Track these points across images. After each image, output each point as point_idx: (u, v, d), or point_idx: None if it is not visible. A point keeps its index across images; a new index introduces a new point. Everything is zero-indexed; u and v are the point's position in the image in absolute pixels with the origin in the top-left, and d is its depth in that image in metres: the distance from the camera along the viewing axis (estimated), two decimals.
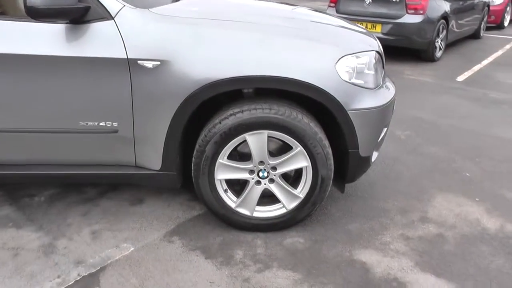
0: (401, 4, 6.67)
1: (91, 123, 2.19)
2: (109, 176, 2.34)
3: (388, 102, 2.34)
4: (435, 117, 4.39)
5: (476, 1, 8.53)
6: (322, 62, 2.16)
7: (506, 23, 11.38)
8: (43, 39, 2.07)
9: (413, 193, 2.85)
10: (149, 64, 2.07)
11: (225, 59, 2.09)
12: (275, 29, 2.24)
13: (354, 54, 2.23)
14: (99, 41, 2.07)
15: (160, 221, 2.52)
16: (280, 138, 2.21)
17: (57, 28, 2.08)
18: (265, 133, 2.17)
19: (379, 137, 2.39)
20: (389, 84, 2.54)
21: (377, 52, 2.38)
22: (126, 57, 2.06)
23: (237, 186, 2.40)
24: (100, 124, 2.19)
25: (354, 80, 2.20)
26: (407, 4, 6.62)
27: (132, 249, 2.29)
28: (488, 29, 10.26)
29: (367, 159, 2.36)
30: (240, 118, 2.14)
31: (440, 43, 7.13)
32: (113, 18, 2.08)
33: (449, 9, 7.12)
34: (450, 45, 7.95)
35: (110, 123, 2.19)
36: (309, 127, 2.16)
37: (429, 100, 4.99)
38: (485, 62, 7.14)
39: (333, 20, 2.67)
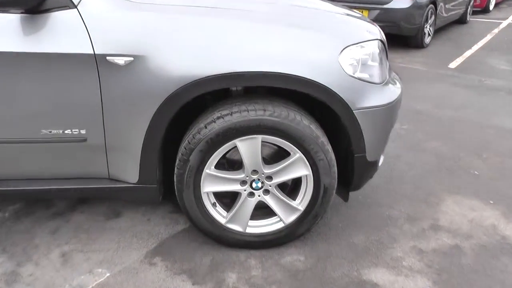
0: None
1: (55, 131, 1.84)
2: (79, 190, 1.99)
3: (397, 98, 2.05)
4: (432, 108, 4.13)
5: None
6: (323, 54, 1.85)
7: (491, 7, 11.22)
8: None
9: (420, 197, 2.59)
10: (121, 61, 1.73)
11: (211, 53, 1.76)
12: (267, 17, 1.91)
13: (358, 44, 1.92)
14: (59, 34, 1.71)
15: (140, 239, 2.19)
16: (276, 143, 1.91)
17: (10, 19, 1.72)
18: (259, 138, 1.86)
19: (388, 138, 2.10)
20: (395, 77, 2.24)
21: (381, 40, 2.07)
22: (92, 52, 1.71)
23: (226, 199, 2.08)
24: (66, 132, 1.84)
25: (359, 74, 1.89)
26: None
27: (108, 274, 1.96)
28: (473, 13, 10.06)
29: (375, 163, 2.07)
30: (229, 122, 1.81)
31: (429, 28, 6.88)
32: (75, 6, 1.72)
33: None
34: (437, 31, 7.70)
35: (77, 130, 1.84)
36: (309, 130, 1.85)
37: (424, 89, 4.73)
38: (475, 48, 6.92)
39: (325, 5, 2.35)
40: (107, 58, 1.72)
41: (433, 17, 6.88)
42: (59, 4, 1.72)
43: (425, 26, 6.65)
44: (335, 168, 1.95)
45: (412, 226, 2.31)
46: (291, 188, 2.12)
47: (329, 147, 1.91)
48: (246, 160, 1.90)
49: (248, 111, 1.82)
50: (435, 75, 5.31)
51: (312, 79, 1.80)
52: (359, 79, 1.89)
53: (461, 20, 9.08)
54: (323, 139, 1.89)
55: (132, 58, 1.73)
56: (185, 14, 1.82)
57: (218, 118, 1.83)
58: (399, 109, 2.15)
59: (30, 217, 2.36)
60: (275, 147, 1.97)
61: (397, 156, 3.08)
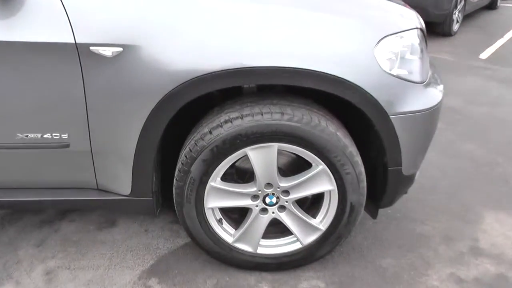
0: None
1: (32, 136, 1.55)
2: (63, 203, 1.71)
3: (440, 101, 1.71)
4: (464, 104, 3.74)
5: None
6: (355, 46, 1.51)
7: None
8: None
9: (456, 211, 2.25)
10: (107, 51, 1.42)
11: (219, 43, 1.43)
12: (287, 1, 1.57)
13: (397, 34, 1.58)
14: (35, 20, 1.41)
15: (135, 254, 1.91)
16: (296, 153, 1.60)
17: None
18: (275, 147, 1.54)
19: (427, 149, 1.77)
20: (434, 74, 1.89)
21: (420, 29, 1.72)
22: (73, 41, 1.40)
23: (235, 214, 1.79)
24: (45, 136, 1.55)
25: (396, 71, 1.56)
26: None
27: None
28: None
29: (411, 178, 1.75)
30: (239, 127, 1.50)
31: (458, 15, 6.41)
32: None
33: None
34: (465, 18, 7.20)
35: (58, 134, 1.55)
36: (335, 138, 1.53)
37: (454, 82, 4.33)
38: (507, 36, 6.43)
39: None
40: (91, 48, 1.41)
41: (462, 2, 6.41)
42: None
43: (453, 12, 6.18)
44: (365, 183, 1.63)
45: (448, 247, 1.98)
46: (310, 203, 1.82)
47: (358, 159, 1.59)
48: (258, 172, 1.59)
49: (262, 115, 1.50)
50: (466, 67, 4.89)
51: (341, 76, 1.47)
52: (397, 76, 1.55)
53: (491, 6, 8.54)
54: (352, 149, 1.57)
55: (121, 49, 1.42)
56: None
57: (226, 122, 1.52)
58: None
59: (16, 225, 2.10)
60: (294, 155, 1.66)
61: (429, 161, 2.72)
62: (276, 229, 1.81)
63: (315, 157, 1.55)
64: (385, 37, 1.53)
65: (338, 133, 1.54)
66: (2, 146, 1.57)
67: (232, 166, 1.67)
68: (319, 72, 1.46)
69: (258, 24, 1.46)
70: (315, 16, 1.51)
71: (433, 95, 1.67)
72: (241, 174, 1.72)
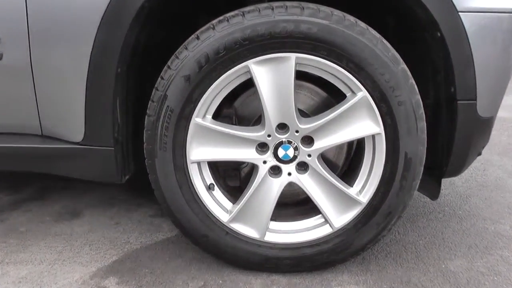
0: None
1: None
2: None
3: None
4: None
5: None
6: None
7: None
8: None
9: None
10: None
11: None
12: None
13: None
14: None
15: (95, 249, 1.30)
16: (321, 76, 1.04)
17: None
18: (291, 59, 0.99)
19: (507, 84, 1.18)
20: None
21: None
22: None
23: (232, 178, 1.18)
24: None
25: None
26: None
27: None
28: None
29: (489, 123, 1.14)
30: (239, 27, 0.97)
31: None
32: None
33: None
34: None
35: None
36: (382, 47, 0.98)
37: None
38: None
39: None
40: None
41: None
42: None
43: None
44: (424, 124, 1.04)
45: None
46: (344, 170, 1.22)
47: (413, 82, 1.02)
48: (267, 104, 1.02)
49: (272, 9, 0.97)
50: None
51: None
52: None
53: None
54: (404, 66, 1.01)
55: None
56: None
57: (220, 21, 0.99)
58: None
59: None
60: (319, 91, 1.11)
61: (487, 160, 2.09)
62: (293, 210, 1.20)
63: (351, 76, 0.98)
64: None
65: (383, 40, 0.99)
66: None
67: (231, 105, 1.12)
68: None
69: None
70: None
71: None
72: (242, 121, 1.15)
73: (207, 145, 1.06)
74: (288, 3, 0.97)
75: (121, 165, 1.15)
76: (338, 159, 1.20)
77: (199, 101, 1.01)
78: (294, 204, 1.22)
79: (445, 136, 1.11)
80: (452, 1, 0.97)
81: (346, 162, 1.20)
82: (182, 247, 1.30)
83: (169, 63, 1.01)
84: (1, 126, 1.14)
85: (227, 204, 1.14)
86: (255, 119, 1.14)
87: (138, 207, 1.57)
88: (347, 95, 1.03)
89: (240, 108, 1.14)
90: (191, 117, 1.02)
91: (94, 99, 1.05)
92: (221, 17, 0.99)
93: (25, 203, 1.62)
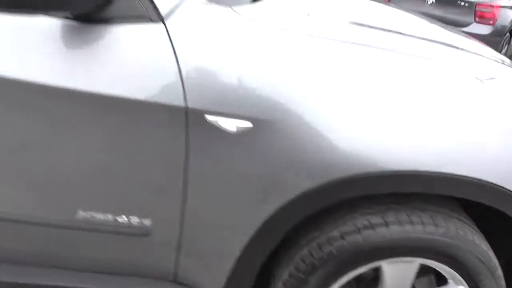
0: (470, 9, 5.17)
1: (100, 217, 1.06)
2: None
3: None
4: None
5: None
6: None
7: None
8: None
9: None
10: (231, 125, 0.97)
11: (387, 132, 1.03)
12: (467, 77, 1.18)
13: None
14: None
15: None
16: (433, 267, 1.21)
17: (48, 26, 0.93)
18: (416, 262, 1.15)
19: None
20: None
21: None
22: (183, 104, 0.95)
23: None
24: (118, 219, 1.07)
25: None
26: (476, 11, 5.16)
27: None
28: None
29: None
30: (382, 237, 1.10)
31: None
32: (162, 20, 0.96)
33: None
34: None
35: (138, 219, 1.07)
36: (488, 258, 1.16)
37: None
38: None
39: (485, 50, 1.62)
40: (207, 117, 0.96)
41: (506, 47, 5.83)
42: (133, 12, 0.94)
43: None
44: None
45: None
46: None
47: (503, 283, 1.23)
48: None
49: (413, 224, 1.10)
50: None
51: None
52: None
53: None
54: (500, 271, 1.21)
55: (250, 124, 0.97)
56: (351, 54, 1.07)
57: (365, 227, 1.10)
58: None
59: None
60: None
61: None
62: None
63: (460, 278, 1.18)
64: None
65: (490, 252, 1.18)
66: (57, 225, 1.07)
67: None
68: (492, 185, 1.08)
69: (444, 113, 1.07)
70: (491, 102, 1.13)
71: None
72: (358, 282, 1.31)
73: None
74: (424, 218, 1.10)
75: None
76: None
77: (331, 285, 1.15)
78: None
79: None
80: None
81: None
82: None
83: (311, 250, 1.12)
84: (134, 272, 1.20)
85: None
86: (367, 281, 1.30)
87: None
88: (449, 281, 1.22)
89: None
90: None
91: (243, 267, 1.13)
92: (365, 222, 1.10)
93: None
